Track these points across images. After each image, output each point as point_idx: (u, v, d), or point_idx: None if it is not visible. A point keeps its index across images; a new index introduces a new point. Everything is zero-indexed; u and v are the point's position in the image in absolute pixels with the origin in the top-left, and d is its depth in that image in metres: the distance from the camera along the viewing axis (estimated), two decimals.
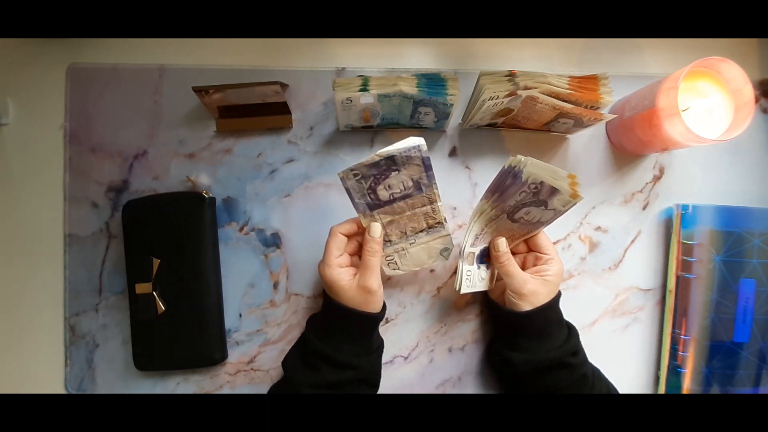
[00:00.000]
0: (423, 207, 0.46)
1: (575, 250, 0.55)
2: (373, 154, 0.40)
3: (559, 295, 0.47)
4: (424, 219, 0.47)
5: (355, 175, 0.42)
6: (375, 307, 0.45)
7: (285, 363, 0.48)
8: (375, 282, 0.44)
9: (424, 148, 0.40)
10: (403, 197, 0.44)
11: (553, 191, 0.40)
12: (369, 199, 0.44)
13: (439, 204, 0.46)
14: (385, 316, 0.49)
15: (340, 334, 0.45)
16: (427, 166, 0.42)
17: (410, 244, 0.48)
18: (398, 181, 0.43)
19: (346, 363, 0.44)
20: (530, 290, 0.44)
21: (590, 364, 0.47)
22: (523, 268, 0.47)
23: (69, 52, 0.54)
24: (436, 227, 0.47)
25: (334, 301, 0.45)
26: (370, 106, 0.47)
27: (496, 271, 0.49)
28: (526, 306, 0.45)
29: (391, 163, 0.41)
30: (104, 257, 0.53)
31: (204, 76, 0.53)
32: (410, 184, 0.44)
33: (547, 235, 0.48)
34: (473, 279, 0.48)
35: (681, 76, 0.42)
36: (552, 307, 0.46)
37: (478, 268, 0.48)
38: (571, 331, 0.47)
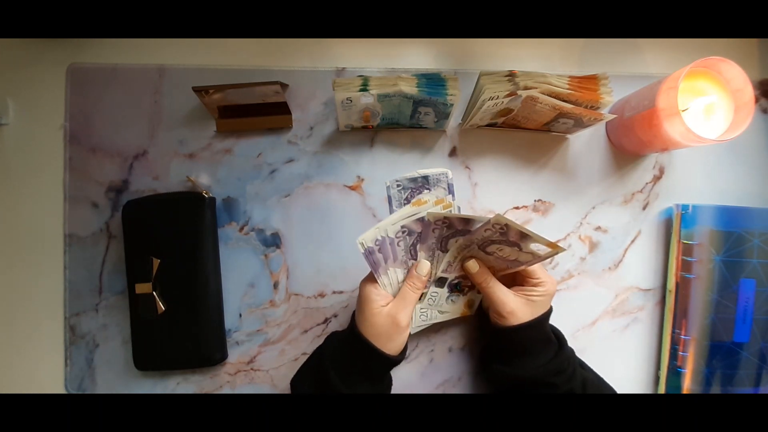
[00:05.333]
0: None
1: (575, 250, 0.55)
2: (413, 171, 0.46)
3: (547, 314, 0.45)
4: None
5: (397, 185, 0.46)
6: (396, 346, 0.44)
7: (297, 388, 0.46)
8: (405, 317, 0.43)
9: (450, 175, 0.46)
10: None
11: (523, 236, 0.41)
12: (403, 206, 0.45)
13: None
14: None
15: (359, 374, 0.44)
16: (450, 190, 0.46)
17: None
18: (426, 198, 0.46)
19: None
20: (509, 311, 0.44)
21: (579, 378, 0.45)
22: (513, 281, 0.46)
23: (69, 52, 0.54)
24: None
25: (362, 336, 0.43)
26: (370, 106, 0.47)
27: (476, 300, 0.49)
28: (509, 322, 0.44)
29: (425, 181, 0.45)
30: (104, 257, 0.53)
31: (204, 76, 0.53)
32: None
33: (541, 266, 0.45)
34: (438, 300, 0.48)
35: (681, 76, 0.42)
36: (534, 326, 0.44)
37: (449, 292, 0.48)
38: (561, 350, 0.46)
